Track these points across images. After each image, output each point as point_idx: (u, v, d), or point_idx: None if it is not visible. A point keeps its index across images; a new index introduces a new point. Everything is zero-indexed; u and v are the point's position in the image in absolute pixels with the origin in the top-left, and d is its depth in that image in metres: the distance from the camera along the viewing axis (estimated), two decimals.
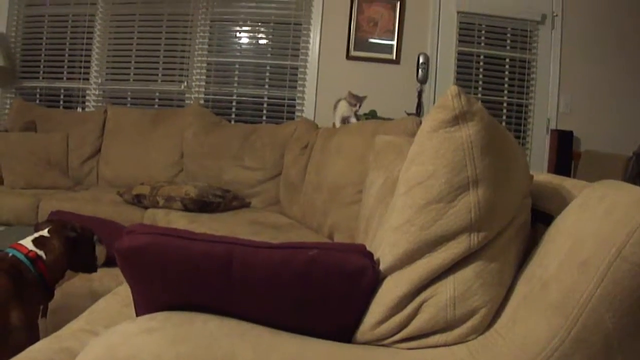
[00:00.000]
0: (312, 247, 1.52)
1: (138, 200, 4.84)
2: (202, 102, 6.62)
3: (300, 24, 6.67)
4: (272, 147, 5.47)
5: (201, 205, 4.69)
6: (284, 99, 6.66)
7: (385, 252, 1.55)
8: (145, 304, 1.58)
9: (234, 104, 6.71)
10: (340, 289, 1.50)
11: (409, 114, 5.85)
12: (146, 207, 4.83)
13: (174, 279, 1.51)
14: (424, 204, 1.46)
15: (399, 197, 1.56)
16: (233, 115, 6.67)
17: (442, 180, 1.44)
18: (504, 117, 6.73)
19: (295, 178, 4.98)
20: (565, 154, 6.29)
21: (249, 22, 6.78)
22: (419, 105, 6.37)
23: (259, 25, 6.78)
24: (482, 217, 1.43)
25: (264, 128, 5.83)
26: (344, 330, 1.54)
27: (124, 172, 5.75)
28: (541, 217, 1.66)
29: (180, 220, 4.44)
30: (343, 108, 5.24)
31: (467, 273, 1.45)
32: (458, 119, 1.44)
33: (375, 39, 6.53)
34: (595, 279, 1.32)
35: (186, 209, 4.67)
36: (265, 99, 6.68)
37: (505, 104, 6.73)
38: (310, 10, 6.60)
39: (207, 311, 1.53)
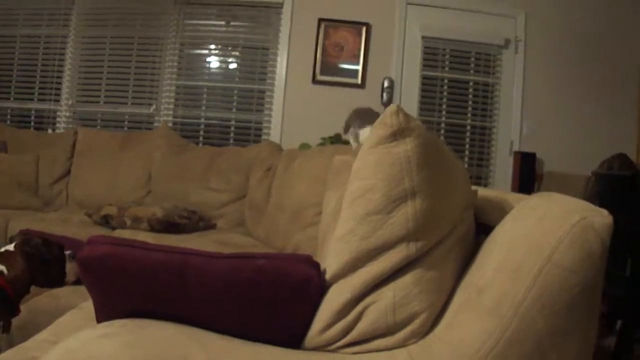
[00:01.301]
0: (261, 257, 1.59)
1: (106, 221, 4.87)
2: (170, 124, 6.66)
3: (268, 49, 6.77)
4: (237, 170, 5.53)
5: (167, 226, 4.73)
6: (251, 122, 6.73)
7: (330, 262, 1.61)
8: (105, 312, 1.63)
9: (202, 126, 6.78)
10: (287, 297, 1.56)
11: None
12: (114, 228, 4.84)
13: (132, 288, 1.56)
14: (364, 215, 1.53)
15: (344, 210, 1.63)
16: (201, 138, 6.74)
17: (381, 193, 1.51)
18: (468, 140, 6.84)
19: (260, 200, 5.04)
20: (528, 175, 6.39)
21: (217, 47, 6.86)
22: None
23: (227, 50, 6.86)
24: (419, 227, 1.51)
25: (230, 150, 5.88)
26: (293, 337, 1.59)
27: (94, 194, 5.76)
28: (484, 229, 1.74)
29: (147, 241, 4.46)
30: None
31: (406, 280, 1.52)
32: (396, 135, 1.52)
33: (341, 63, 6.62)
34: (527, 283, 1.40)
35: (153, 229, 4.70)
36: (233, 122, 6.76)
37: (469, 127, 6.84)
38: (278, 35, 6.70)
39: (164, 318, 1.58)
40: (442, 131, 6.83)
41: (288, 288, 1.56)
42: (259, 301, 1.55)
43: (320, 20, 6.65)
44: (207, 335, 1.55)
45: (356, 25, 6.66)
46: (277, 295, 1.56)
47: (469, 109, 6.88)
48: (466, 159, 6.87)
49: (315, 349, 1.58)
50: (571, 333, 1.45)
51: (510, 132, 6.84)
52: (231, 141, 6.75)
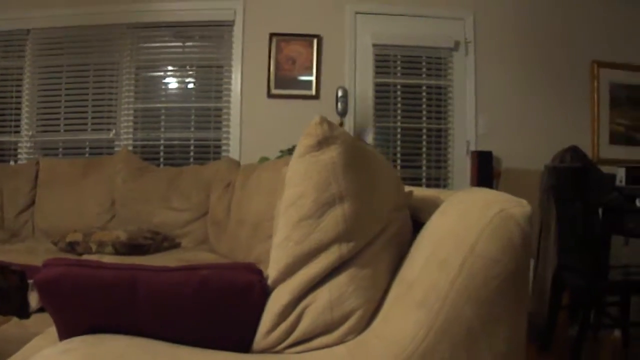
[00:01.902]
0: (205, 268, 1.66)
1: (72, 248, 4.88)
2: (131, 148, 6.68)
3: (222, 66, 6.80)
4: (197, 188, 5.58)
5: (132, 248, 4.76)
6: (210, 140, 6.77)
7: (271, 268, 1.68)
8: (65, 330, 1.68)
9: (162, 148, 6.80)
10: (232, 303, 1.63)
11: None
12: (80, 254, 4.83)
13: (87, 305, 1.62)
14: (297, 221, 1.61)
15: (280, 217, 1.70)
16: (162, 160, 6.75)
17: (311, 199, 1.59)
18: (424, 143, 6.91)
19: (221, 216, 5.09)
20: (486, 173, 6.47)
21: (173, 68, 6.90)
22: None
23: (182, 70, 6.90)
24: (349, 229, 1.59)
25: (189, 170, 5.92)
26: (242, 341, 1.66)
27: (59, 222, 5.74)
28: (421, 227, 1.82)
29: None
30: None
31: (341, 279, 1.60)
32: (321, 144, 1.60)
33: (294, 76, 6.70)
34: (452, 275, 1.49)
35: (118, 252, 4.73)
36: (192, 142, 6.78)
37: (424, 130, 6.90)
38: (231, 52, 6.75)
39: (121, 332, 1.64)
40: (399, 136, 6.89)
41: (232, 295, 1.63)
42: (206, 309, 1.62)
43: (272, 35, 6.70)
44: (158, 345, 1.60)
45: (307, 37, 6.72)
46: (222, 302, 1.62)
47: (424, 112, 6.94)
48: (424, 161, 6.93)
49: (263, 351, 1.65)
50: (500, 320, 1.53)
51: (465, 132, 6.93)
52: (191, 160, 6.77)
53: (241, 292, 1.64)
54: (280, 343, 1.63)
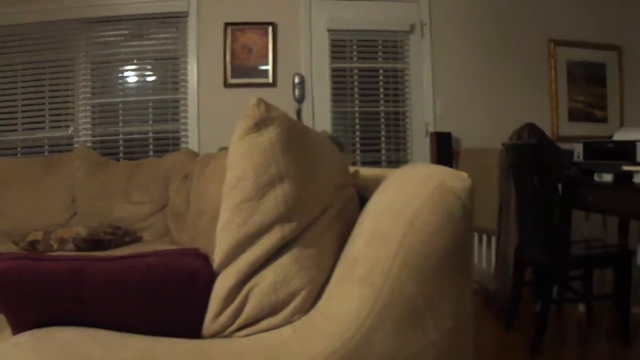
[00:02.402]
0: (150, 255, 1.66)
1: (33, 247, 4.84)
2: (90, 144, 6.64)
3: (178, 58, 6.78)
4: (155, 180, 5.54)
5: (93, 243, 4.73)
6: (169, 132, 6.74)
7: (216, 252, 1.68)
8: (17, 325, 1.66)
9: (121, 142, 6.76)
10: (178, 289, 1.62)
11: None
12: (42, 252, 4.81)
13: (35, 298, 1.60)
14: (239, 203, 1.61)
15: (223, 201, 1.70)
16: (121, 154, 6.72)
17: (251, 181, 1.59)
18: (383, 126, 6.92)
19: (180, 207, 5.07)
20: (445, 154, 6.50)
21: (129, 61, 6.85)
22: None
23: (139, 64, 6.85)
24: (291, 209, 1.59)
25: (148, 163, 5.87)
26: (191, 327, 1.65)
27: (21, 222, 5.68)
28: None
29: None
30: None
31: (285, 260, 1.60)
32: (259, 125, 1.60)
33: (251, 65, 6.68)
34: (393, 250, 1.50)
35: (79, 249, 4.70)
36: (151, 134, 6.74)
37: (382, 114, 6.92)
38: (186, 43, 6.71)
39: (71, 324, 1.62)
40: (357, 120, 6.90)
41: (177, 281, 1.62)
42: (152, 296, 1.61)
43: (227, 24, 6.68)
44: (109, 334, 1.60)
45: (262, 25, 6.70)
46: (168, 288, 1.62)
47: (381, 96, 6.95)
48: (383, 144, 6.95)
49: (213, 336, 1.65)
50: (444, 294, 1.54)
51: (424, 114, 6.94)
52: (151, 153, 6.74)
53: (186, 278, 1.63)
54: (228, 327, 1.63)
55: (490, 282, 5.61)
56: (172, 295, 1.63)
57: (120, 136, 6.78)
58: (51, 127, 6.77)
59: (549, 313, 4.39)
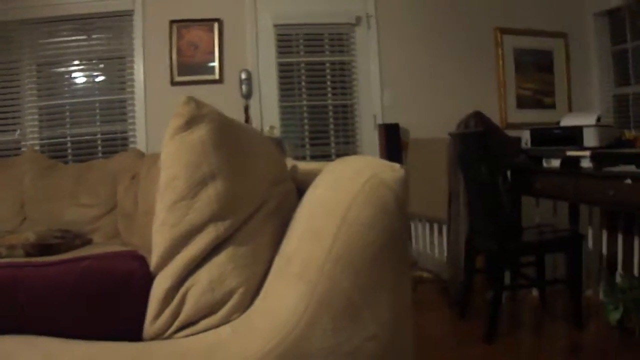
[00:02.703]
0: (85, 259, 1.64)
1: None
2: (38, 147, 6.55)
3: (124, 57, 6.71)
4: (104, 182, 5.49)
5: (42, 248, 4.67)
6: (117, 133, 6.67)
7: (153, 254, 1.66)
8: None
9: (69, 144, 6.69)
10: (114, 292, 1.60)
11: None
12: None
13: None
14: (172, 204, 1.59)
15: (157, 202, 1.68)
16: (70, 157, 6.65)
17: (183, 180, 1.57)
18: (331, 119, 6.91)
19: (129, 208, 5.03)
20: (394, 145, 6.51)
21: (75, 62, 6.78)
22: (247, 120, 6.50)
23: (85, 64, 6.77)
24: (224, 207, 1.57)
25: (96, 164, 5.80)
26: (132, 330, 1.63)
27: None
28: None
29: None
30: None
31: (220, 259, 1.59)
32: (190, 123, 1.58)
33: (197, 62, 6.63)
34: (327, 245, 1.49)
35: (29, 254, 4.64)
36: (99, 136, 6.66)
37: (330, 107, 6.90)
38: (132, 42, 6.64)
39: (10, 332, 1.59)
40: (305, 114, 6.88)
41: (113, 284, 1.60)
42: (89, 300, 1.59)
43: (172, 22, 6.62)
44: (49, 341, 1.57)
45: (208, 22, 6.66)
46: (104, 292, 1.59)
47: (329, 89, 6.94)
48: (332, 137, 6.93)
49: (153, 338, 1.63)
50: (381, 287, 1.54)
51: (372, 106, 6.94)
52: (100, 155, 6.64)
53: (122, 281, 1.62)
54: (167, 329, 1.61)
55: (444, 271, 5.64)
56: (109, 298, 1.60)
57: (68, 138, 6.69)
58: None
59: (500, 301, 4.43)
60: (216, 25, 6.65)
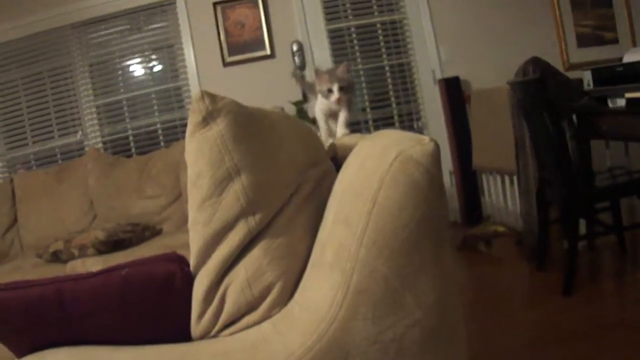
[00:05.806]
0: (124, 267, 1.62)
1: (56, 257, 4.86)
2: (100, 145, 6.67)
3: (173, 46, 6.74)
4: (166, 171, 5.54)
5: (113, 244, 4.73)
6: (176, 121, 6.73)
7: (191, 253, 1.64)
8: (15, 351, 1.67)
9: (130, 138, 6.76)
10: (157, 296, 1.60)
11: (294, 103, 5.97)
12: (65, 261, 4.82)
13: (22, 325, 1.60)
14: (200, 202, 1.55)
15: (188, 200, 1.65)
16: (133, 150, 6.72)
17: (208, 177, 1.53)
18: (390, 80, 6.86)
19: None
20: (456, 99, 6.43)
21: (125, 57, 6.84)
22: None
23: (135, 58, 6.83)
24: (252, 201, 1.53)
25: (157, 155, 5.90)
26: (180, 332, 1.63)
27: (44, 234, 5.73)
28: None
29: (96, 265, 4.47)
30: (320, 106, 2.99)
31: (255, 254, 1.55)
32: (207, 119, 1.54)
33: (246, 40, 6.61)
34: (358, 231, 1.43)
35: (100, 252, 4.71)
36: (159, 126, 6.75)
37: (387, 67, 6.85)
38: (179, 30, 6.68)
39: (64, 345, 1.62)
40: (362, 78, 6.85)
41: (154, 288, 1.60)
42: (133, 307, 1.59)
43: (215, 4, 6.63)
44: (99, 350, 1.58)
45: None
46: (148, 297, 1.59)
47: (383, 50, 6.89)
48: (392, 98, 6.89)
49: (201, 338, 1.61)
50: (420, 269, 1.46)
51: (429, 62, 6.86)
52: (162, 144, 6.75)
53: (163, 284, 1.60)
54: (212, 328, 1.59)
55: (518, 223, 5.54)
56: (152, 302, 1.60)
57: (130, 132, 6.79)
58: (60, 135, 6.81)
59: (577, 251, 4.30)
60: (260, 0, 6.60)
